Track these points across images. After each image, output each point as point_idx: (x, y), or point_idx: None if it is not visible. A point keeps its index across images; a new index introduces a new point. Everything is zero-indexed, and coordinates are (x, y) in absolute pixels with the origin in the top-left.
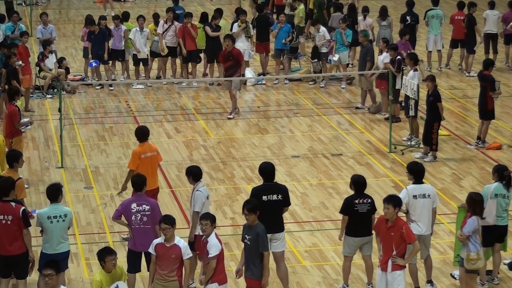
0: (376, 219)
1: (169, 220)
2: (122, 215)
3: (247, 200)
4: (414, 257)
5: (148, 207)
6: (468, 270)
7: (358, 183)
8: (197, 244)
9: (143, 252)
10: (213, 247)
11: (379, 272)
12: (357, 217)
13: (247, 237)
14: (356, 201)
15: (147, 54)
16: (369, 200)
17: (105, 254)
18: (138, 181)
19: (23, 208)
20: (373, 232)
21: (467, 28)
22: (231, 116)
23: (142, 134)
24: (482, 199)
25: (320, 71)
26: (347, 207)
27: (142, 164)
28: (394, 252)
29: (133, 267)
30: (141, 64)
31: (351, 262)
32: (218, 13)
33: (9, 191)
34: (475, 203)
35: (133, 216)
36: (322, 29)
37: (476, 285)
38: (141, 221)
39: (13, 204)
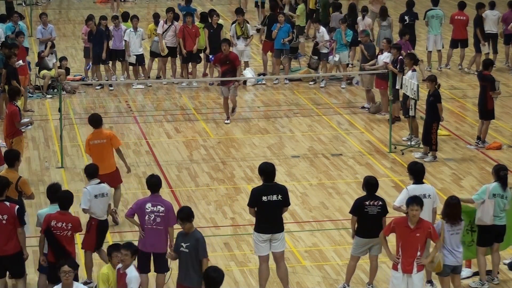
0: (388, 221)
1: (73, 264)
2: (136, 214)
3: (180, 209)
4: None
5: (163, 209)
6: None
7: (369, 183)
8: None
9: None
10: (133, 280)
11: (397, 275)
12: (367, 219)
13: (184, 245)
14: (367, 203)
15: (143, 54)
16: (380, 203)
17: (112, 250)
18: (154, 182)
19: (17, 206)
20: (382, 234)
21: (474, 28)
22: (228, 122)
23: (94, 121)
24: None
25: (316, 68)
26: (357, 208)
27: (92, 150)
28: (419, 253)
29: (145, 267)
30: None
31: (356, 263)
32: (214, 12)
33: (3, 191)
34: (448, 207)
35: (147, 216)
36: (322, 29)
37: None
38: (154, 222)
39: (7, 203)
